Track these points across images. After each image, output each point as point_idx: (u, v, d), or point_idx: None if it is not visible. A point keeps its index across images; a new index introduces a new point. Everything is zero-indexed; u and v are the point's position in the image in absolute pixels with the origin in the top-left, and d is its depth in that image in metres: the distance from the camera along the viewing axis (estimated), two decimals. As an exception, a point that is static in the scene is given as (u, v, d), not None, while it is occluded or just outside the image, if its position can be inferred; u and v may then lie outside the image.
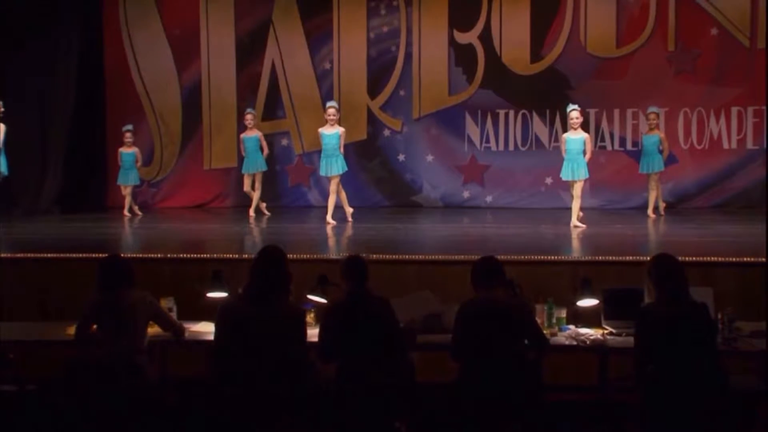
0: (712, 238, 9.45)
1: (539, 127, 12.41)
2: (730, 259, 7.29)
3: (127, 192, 11.85)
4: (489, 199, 12.57)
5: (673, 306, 4.94)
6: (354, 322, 5.11)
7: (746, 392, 5.18)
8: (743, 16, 11.89)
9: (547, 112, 12.35)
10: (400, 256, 7.71)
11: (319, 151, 10.82)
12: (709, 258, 7.32)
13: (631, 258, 7.36)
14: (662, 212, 11.13)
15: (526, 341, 5.18)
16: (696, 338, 4.89)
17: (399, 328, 5.30)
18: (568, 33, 12.25)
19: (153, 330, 5.58)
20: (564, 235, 9.56)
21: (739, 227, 10.03)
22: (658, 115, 11.15)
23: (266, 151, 11.68)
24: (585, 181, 10.17)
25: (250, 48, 12.83)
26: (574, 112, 10.08)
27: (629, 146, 12.16)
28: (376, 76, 12.67)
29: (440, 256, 7.64)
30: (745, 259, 7.23)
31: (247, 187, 11.70)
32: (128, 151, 11.82)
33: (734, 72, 11.96)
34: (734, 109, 11.97)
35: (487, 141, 12.54)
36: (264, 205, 11.76)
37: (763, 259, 7.02)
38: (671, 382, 4.82)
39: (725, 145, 12.07)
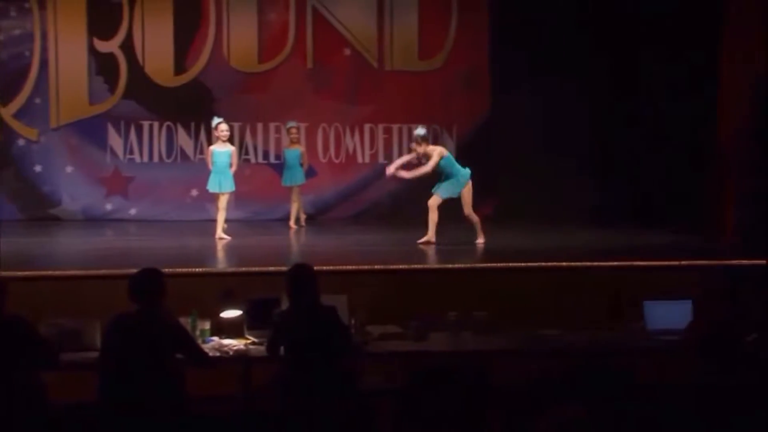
0: (349, 247, 10.02)
1: (184, 139, 12.36)
2: (363, 267, 7.78)
3: None
4: (133, 211, 12.28)
5: (303, 311, 5.27)
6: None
7: (373, 392, 5.54)
8: (371, 39, 12.60)
9: (192, 124, 12.31)
10: (35, 273, 7.30)
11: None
12: (344, 266, 7.75)
13: (273, 268, 7.56)
14: (302, 223, 11.53)
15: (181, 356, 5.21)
16: (323, 341, 5.23)
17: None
18: (211, 46, 12.30)
19: None
20: (209, 246, 9.62)
21: (373, 236, 10.72)
22: (298, 129, 11.59)
23: None
24: (231, 193, 10.34)
25: None
26: (222, 125, 10.22)
27: (272, 159, 12.47)
28: (9, 81, 11.87)
29: (79, 272, 7.36)
30: (375, 267, 7.74)
31: None
32: None
33: (366, 91, 12.66)
34: (367, 126, 12.70)
35: (131, 152, 12.26)
36: None
37: (392, 267, 7.63)
38: (301, 383, 5.11)
39: (359, 160, 12.77)
